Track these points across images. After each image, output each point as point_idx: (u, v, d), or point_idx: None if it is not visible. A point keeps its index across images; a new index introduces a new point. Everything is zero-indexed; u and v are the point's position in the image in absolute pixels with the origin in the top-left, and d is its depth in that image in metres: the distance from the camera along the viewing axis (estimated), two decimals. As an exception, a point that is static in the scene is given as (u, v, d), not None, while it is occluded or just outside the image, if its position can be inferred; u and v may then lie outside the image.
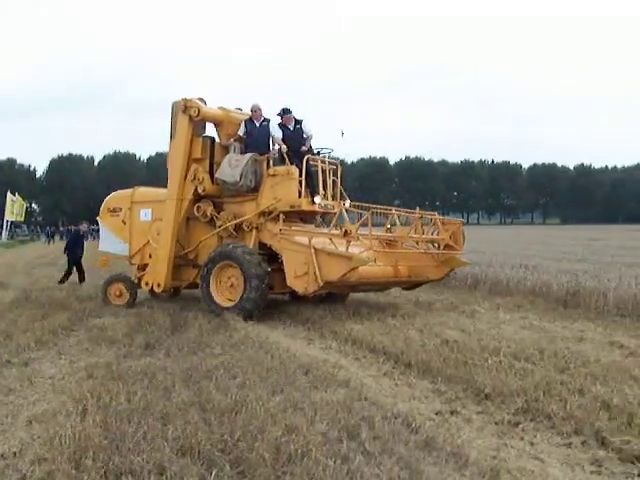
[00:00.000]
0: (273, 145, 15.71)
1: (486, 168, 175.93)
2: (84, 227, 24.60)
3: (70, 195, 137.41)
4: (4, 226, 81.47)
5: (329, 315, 13.76)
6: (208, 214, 15.96)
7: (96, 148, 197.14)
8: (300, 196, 14.98)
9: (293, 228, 14.78)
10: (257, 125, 15.90)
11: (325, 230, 14.53)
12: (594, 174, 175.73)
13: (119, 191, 18.51)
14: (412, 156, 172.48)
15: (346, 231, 13.17)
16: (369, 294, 17.56)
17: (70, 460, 5.58)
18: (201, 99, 16.13)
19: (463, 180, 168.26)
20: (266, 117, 16.02)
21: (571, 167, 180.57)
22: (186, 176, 16.00)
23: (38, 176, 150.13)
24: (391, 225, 15.50)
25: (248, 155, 15.41)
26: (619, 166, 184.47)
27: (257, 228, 15.27)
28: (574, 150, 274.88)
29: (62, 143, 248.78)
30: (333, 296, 16.08)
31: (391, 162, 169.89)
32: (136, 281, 16.86)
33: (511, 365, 9.22)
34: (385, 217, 15.41)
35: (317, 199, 15.09)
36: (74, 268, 23.32)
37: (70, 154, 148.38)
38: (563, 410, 7.08)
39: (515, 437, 6.63)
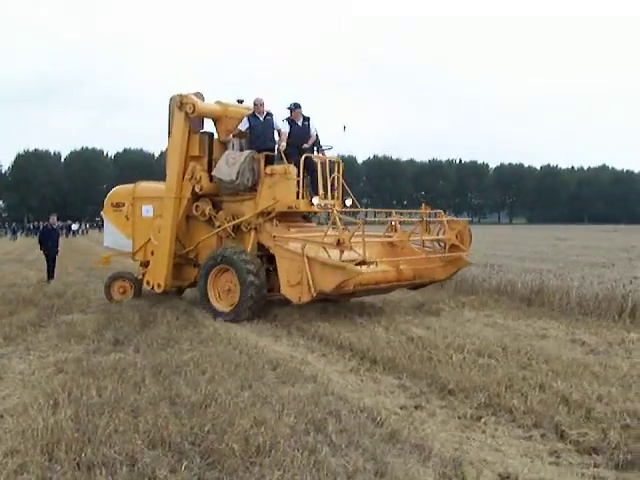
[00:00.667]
0: (280, 139, 15.13)
1: (454, 168, 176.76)
2: (53, 220, 23.55)
3: (36, 191, 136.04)
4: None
5: (296, 312, 13.81)
6: (207, 213, 15.55)
7: (63, 144, 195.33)
8: (299, 196, 14.48)
9: (287, 234, 14.18)
10: (261, 119, 15.30)
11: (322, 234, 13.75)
12: (560, 174, 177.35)
13: (121, 185, 18.13)
14: (380, 155, 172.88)
15: (339, 240, 12.69)
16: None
17: (43, 452, 5.71)
18: (198, 94, 15.73)
19: (431, 179, 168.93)
20: (269, 111, 15.51)
21: (538, 167, 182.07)
22: (184, 174, 15.60)
23: (3, 172, 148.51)
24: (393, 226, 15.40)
25: (246, 152, 14.90)
26: (585, 167, 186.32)
27: (256, 229, 14.76)
28: (541, 151, 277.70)
29: (28, 138, 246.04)
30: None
31: (359, 161, 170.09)
32: (140, 278, 16.70)
33: (474, 361, 9.47)
34: (388, 217, 15.42)
35: (315, 200, 14.45)
36: (53, 260, 22.67)
37: (36, 149, 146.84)
38: (524, 405, 7.33)
39: (477, 430, 6.85)
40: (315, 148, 15.65)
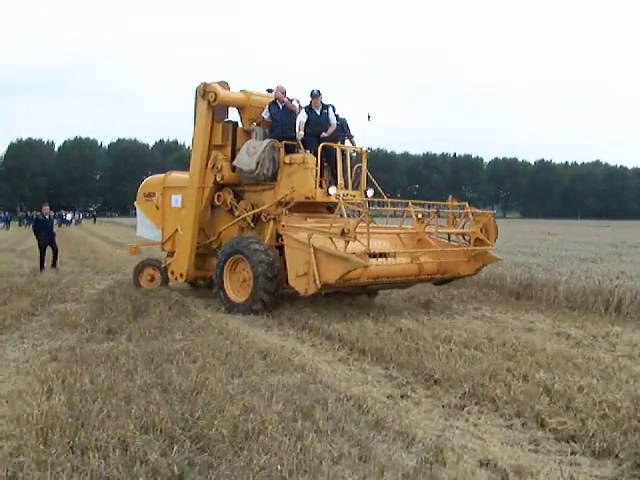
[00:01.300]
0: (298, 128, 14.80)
1: (448, 161, 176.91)
2: (46, 209, 23.16)
3: (29, 181, 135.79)
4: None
5: (287, 303, 14.01)
6: (228, 203, 15.41)
7: (58, 133, 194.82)
8: (318, 186, 14.21)
9: (296, 224, 13.79)
10: (281, 108, 15.18)
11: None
12: (554, 169, 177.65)
13: (154, 175, 18.28)
14: (375, 148, 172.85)
15: (343, 230, 12.21)
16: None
17: (37, 436, 5.85)
18: (223, 82, 15.59)
19: (425, 172, 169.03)
20: (290, 98, 15.43)
21: (532, 162, 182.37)
22: (207, 164, 15.53)
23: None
24: (418, 217, 14.81)
25: (265, 142, 14.71)
26: (579, 162, 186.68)
27: (275, 219, 14.45)
28: (535, 146, 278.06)
29: (22, 128, 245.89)
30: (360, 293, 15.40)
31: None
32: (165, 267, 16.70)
33: (461, 353, 9.66)
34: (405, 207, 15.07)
35: (332, 190, 14.09)
36: (45, 250, 22.30)
37: (30, 139, 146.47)
38: (507, 394, 7.52)
39: (460, 419, 7.04)
40: (341, 137, 15.42)
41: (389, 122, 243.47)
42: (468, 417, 7.09)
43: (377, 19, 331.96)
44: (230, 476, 5.13)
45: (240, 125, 15.87)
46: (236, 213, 15.25)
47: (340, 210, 12.83)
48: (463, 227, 15.08)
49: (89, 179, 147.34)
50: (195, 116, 15.60)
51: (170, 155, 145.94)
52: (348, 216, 12.72)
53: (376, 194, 15.35)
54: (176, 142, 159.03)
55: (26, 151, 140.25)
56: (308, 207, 14.60)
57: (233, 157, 15.25)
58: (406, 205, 14.99)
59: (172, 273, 16.13)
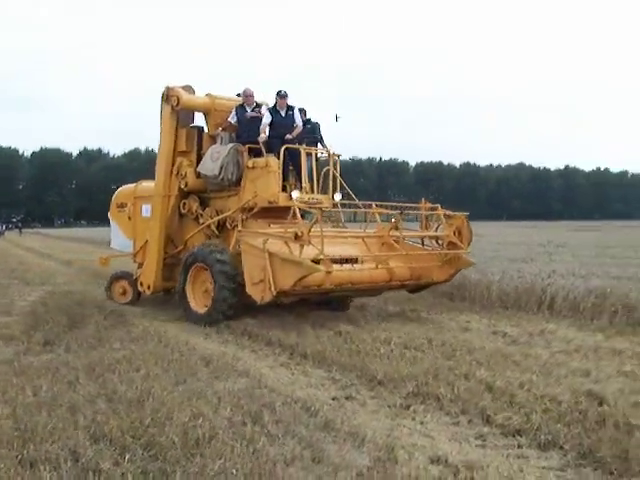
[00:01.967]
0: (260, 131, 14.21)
1: (374, 165, 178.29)
2: None
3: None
4: None
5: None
6: (194, 211, 14.93)
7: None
8: (281, 190, 13.64)
9: (252, 229, 13.29)
10: (249, 111, 14.62)
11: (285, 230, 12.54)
12: (479, 172, 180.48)
13: (125, 185, 17.57)
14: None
15: (296, 234, 11.59)
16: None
17: (-17, 451, 5.74)
18: (187, 87, 15.08)
19: (352, 177, 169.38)
20: (259, 102, 14.99)
21: (457, 165, 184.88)
22: (172, 170, 15.08)
23: None
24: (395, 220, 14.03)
25: (229, 146, 14.21)
26: (503, 165, 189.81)
27: (240, 226, 13.65)
28: (461, 149, 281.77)
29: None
30: (333, 302, 14.49)
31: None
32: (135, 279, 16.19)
33: (401, 353, 9.79)
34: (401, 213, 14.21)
35: (295, 194, 13.13)
36: None
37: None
38: (451, 393, 7.66)
39: (407, 418, 7.14)
40: (311, 140, 14.80)
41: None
42: (414, 416, 7.18)
43: (300, 25, 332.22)
44: (185, 482, 5.11)
45: (206, 130, 15.43)
46: (201, 221, 14.80)
47: (294, 213, 12.03)
48: (436, 230, 14.43)
49: (11, 189, 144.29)
50: (160, 122, 15.21)
51: (94, 164, 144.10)
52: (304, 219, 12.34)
53: (348, 199, 15.00)
54: (100, 150, 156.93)
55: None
56: (274, 213, 13.78)
57: (199, 163, 14.84)
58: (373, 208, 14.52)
59: (141, 285, 15.67)
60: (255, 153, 14.16)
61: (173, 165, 15.05)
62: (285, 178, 14.04)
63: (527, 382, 7.99)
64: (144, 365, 8.98)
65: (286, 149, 13.73)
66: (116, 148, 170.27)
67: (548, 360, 9.40)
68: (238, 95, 15.22)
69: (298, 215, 11.84)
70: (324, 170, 14.56)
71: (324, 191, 14.50)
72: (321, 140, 15.08)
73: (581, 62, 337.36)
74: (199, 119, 15.59)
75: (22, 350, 10.43)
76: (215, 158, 14.14)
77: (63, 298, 16.28)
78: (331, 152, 14.62)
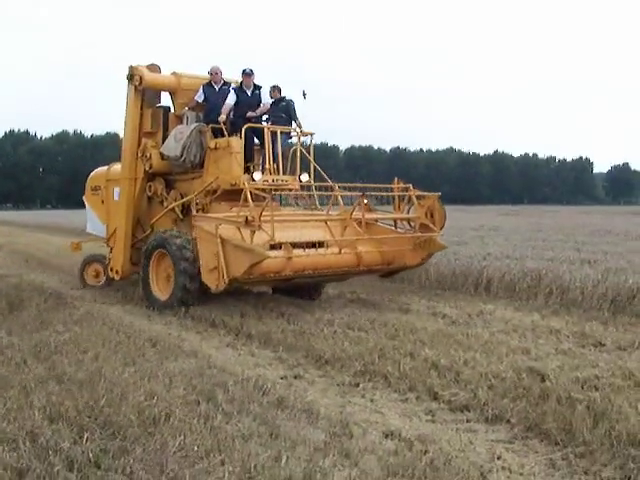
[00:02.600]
0: (222, 110, 13.67)
1: (304, 149, 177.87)
2: None
3: None
4: None
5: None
6: (159, 194, 14.43)
7: None
8: (248, 171, 13.22)
9: (208, 214, 12.83)
10: (216, 89, 14.15)
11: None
12: (409, 156, 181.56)
13: (99, 168, 16.83)
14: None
15: (247, 218, 11.09)
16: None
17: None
18: (153, 65, 14.62)
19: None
20: (227, 80, 14.44)
21: (387, 150, 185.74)
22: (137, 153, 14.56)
23: None
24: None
25: (192, 126, 13.72)
26: (433, 149, 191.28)
27: (203, 209, 13.29)
28: (391, 134, 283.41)
29: None
30: (303, 289, 13.88)
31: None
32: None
33: (346, 334, 9.97)
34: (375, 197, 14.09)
35: (257, 175, 12.86)
36: None
37: None
38: (397, 371, 7.87)
39: (357, 395, 7.33)
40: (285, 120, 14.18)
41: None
42: (364, 393, 7.37)
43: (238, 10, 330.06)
44: (146, 459, 5.18)
45: (173, 110, 14.96)
46: (165, 204, 14.32)
47: (245, 195, 11.39)
48: (408, 212, 13.73)
49: None
50: (126, 102, 14.70)
51: (21, 147, 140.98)
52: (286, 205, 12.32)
53: (314, 180, 14.28)
54: (27, 132, 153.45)
55: None
56: (238, 196, 12.29)
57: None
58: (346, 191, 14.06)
59: (111, 270, 15.30)
60: (222, 134, 13.66)
61: (139, 147, 14.57)
62: (250, 159, 13.69)
63: (471, 360, 8.24)
64: (91, 347, 8.98)
65: (250, 128, 13.34)
66: (43, 130, 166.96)
67: (489, 339, 9.65)
68: (210, 74, 14.62)
69: (249, 199, 11.26)
70: (292, 149, 14.08)
71: (295, 172, 14.02)
72: (295, 118, 14.41)
73: (512, 50, 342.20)
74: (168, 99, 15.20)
75: (-38, 335, 10.30)
76: (178, 139, 13.67)
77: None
78: (298, 131, 14.21)
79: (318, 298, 13.86)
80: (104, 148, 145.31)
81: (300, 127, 14.33)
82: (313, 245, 12.54)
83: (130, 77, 14.26)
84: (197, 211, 13.06)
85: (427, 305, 12.98)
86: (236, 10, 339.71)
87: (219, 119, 13.47)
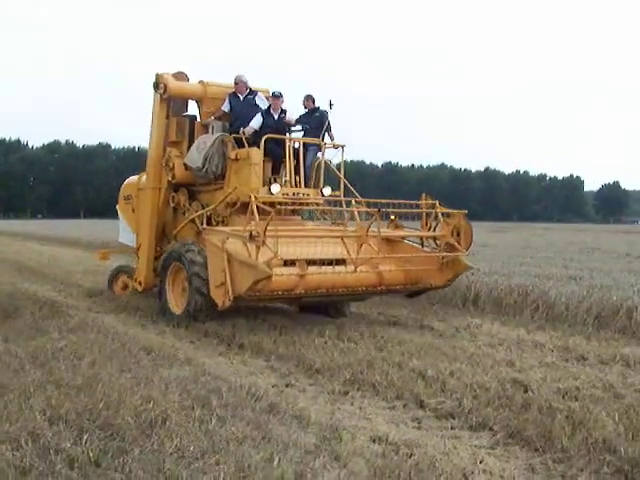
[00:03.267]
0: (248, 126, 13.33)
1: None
2: None
3: None
4: None
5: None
6: (182, 205, 14.14)
7: None
8: (264, 184, 12.85)
9: (221, 226, 12.60)
10: (241, 99, 13.97)
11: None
12: (401, 172, 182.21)
13: (132, 177, 16.39)
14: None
15: (251, 233, 10.49)
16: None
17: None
18: (180, 73, 14.49)
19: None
20: (253, 89, 14.22)
21: (379, 165, 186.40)
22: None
23: None
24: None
25: (215, 136, 13.42)
26: (425, 165, 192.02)
27: (223, 222, 13.00)
28: (382, 150, 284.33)
29: None
30: (330, 307, 13.44)
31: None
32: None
33: (335, 345, 10.23)
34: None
35: (274, 188, 12.52)
36: None
37: None
38: (386, 380, 8.14)
39: (346, 403, 7.58)
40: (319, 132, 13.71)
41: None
42: (353, 401, 7.63)
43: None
44: (144, 459, 5.42)
45: (199, 119, 14.71)
46: (186, 215, 14.02)
47: (252, 209, 10.81)
48: (433, 230, 13.03)
49: None
50: (152, 111, 14.55)
51: (12, 155, 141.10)
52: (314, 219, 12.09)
53: (349, 194, 13.93)
54: (19, 141, 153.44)
55: None
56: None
57: None
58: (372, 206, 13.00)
59: (135, 281, 15.08)
60: (245, 144, 13.28)
61: (164, 156, 14.31)
62: (276, 171, 13.44)
63: (457, 371, 8.51)
64: (87, 354, 9.17)
65: (273, 140, 13.05)
66: (35, 139, 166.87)
67: (475, 352, 9.93)
68: (235, 83, 14.34)
69: (255, 212, 10.65)
70: (317, 162, 13.88)
71: (323, 185, 13.78)
72: (328, 129, 13.97)
73: (503, 68, 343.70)
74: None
75: (-41, 341, 10.49)
76: (201, 149, 13.39)
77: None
78: (325, 143, 13.86)
79: (345, 316, 13.40)
80: (96, 158, 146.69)
81: (332, 139, 14.11)
82: (331, 263, 11.83)
83: (155, 85, 14.11)
84: (217, 223, 12.97)
85: (415, 318, 13.22)
86: (236, 10, 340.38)
87: (245, 130, 13.16)
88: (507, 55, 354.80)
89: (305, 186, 13.45)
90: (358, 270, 11.77)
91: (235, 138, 13.30)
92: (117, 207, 16.65)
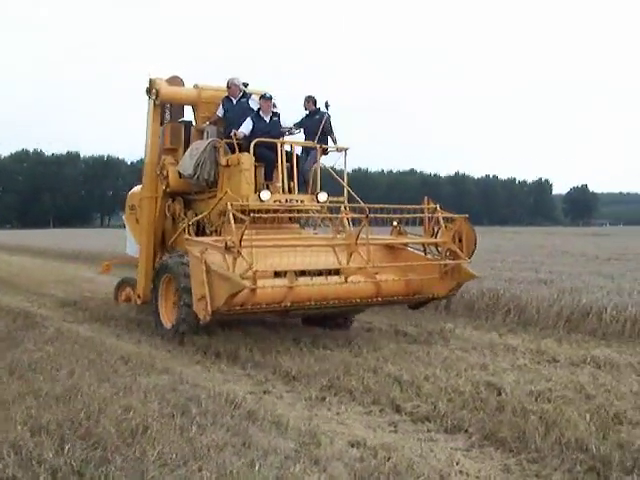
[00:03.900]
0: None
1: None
2: None
3: None
4: None
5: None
6: (177, 214, 13.56)
7: None
8: (255, 190, 12.19)
9: (205, 236, 11.83)
10: (234, 103, 13.34)
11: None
12: (371, 177, 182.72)
13: (137, 186, 15.45)
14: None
15: (226, 244, 9.82)
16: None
17: None
18: (174, 77, 14.03)
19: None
20: (246, 92, 13.59)
21: (349, 170, 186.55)
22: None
23: None
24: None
25: (207, 141, 12.88)
26: (394, 170, 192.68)
27: (216, 231, 12.15)
28: (352, 155, 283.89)
29: None
30: (332, 320, 12.81)
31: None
32: None
33: (311, 351, 10.34)
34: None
35: (264, 195, 11.78)
36: None
37: None
38: (362, 385, 8.27)
39: (323, 409, 7.69)
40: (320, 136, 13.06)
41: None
42: (330, 407, 7.74)
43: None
44: (127, 468, 5.49)
45: (195, 125, 14.18)
46: (179, 225, 13.38)
47: (228, 218, 10.03)
48: (435, 235, 12.18)
49: None
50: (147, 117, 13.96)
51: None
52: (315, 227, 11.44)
53: (352, 200, 13.14)
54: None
55: None
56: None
57: None
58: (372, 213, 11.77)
59: (134, 293, 14.56)
60: (239, 149, 12.63)
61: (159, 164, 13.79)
62: (269, 177, 12.90)
63: (431, 375, 8.65)
64: (65, 364, 9.20)
65: (264, 144, 12.50)
66: (2, 149, 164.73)
67: (448, 356, 10.08)
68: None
69: (232, 221, 9.89)
70: (313, 166, 13.17)
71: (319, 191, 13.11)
72: (330, 133, 13.44)
73: (473, 74, 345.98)
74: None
75: None
76: (193, 155, 12.82)
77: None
78: (320, 146, 13.06)
79: (348, 328, 12.90)
80: (64, 167, 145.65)
81: (336, 142, 13.50)
82: (326, 273, 11.20)
83: (148, 91, 13.64)
84: (211, 233, 12.29)
85: (389, 324, 13.34)
86: (236, 11, 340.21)
87: (236, 133, 12.53)
88: (478, 59, 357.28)
89: (299, 192, 12.87)
90: (350, 280, 11.12)
91: (228, 143, 12.75)
92: (123, 218, 16.25)
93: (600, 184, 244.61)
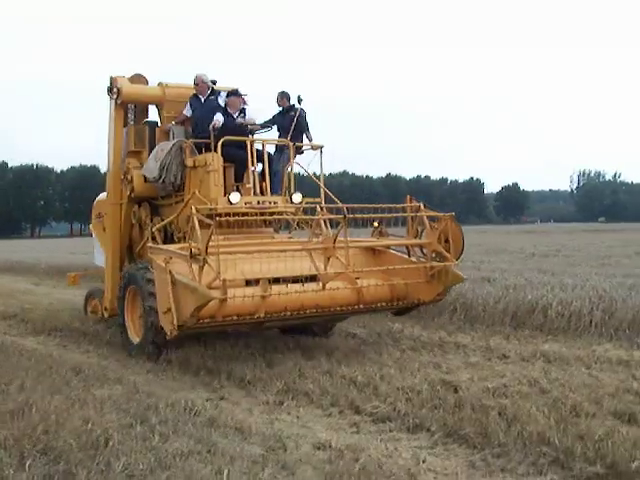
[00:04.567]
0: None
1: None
2: None
3: None
4: None
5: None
6: (143, 221, 12.78)
7: None
8: (224, 192, 11.43)
9: (162, 245, 10.65)
10: (203, 102, 12.44)
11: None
12: (303, 180, 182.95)
13: (103, 193, 14.32)
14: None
15: (191, 251, 8.93)
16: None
17: None
18: (137, 76, 13.28)
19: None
20: (215, 89, 12.63)
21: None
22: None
23: None
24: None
25: (172, 142, 12.11)
26: (326, 173, 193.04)
27: (184, 238, 10.45)
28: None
29: None
30: (313, 327, 12.29)
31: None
32: None
33: (263, 356, 10.28)
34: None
35: (234, 197, 11.02)
36: None
37: None
38: (318, 388, 8.28)
39: (282, 413, 7.69)
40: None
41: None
42: (289, 411, 7.74)
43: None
44: (93, 480, 5.42)
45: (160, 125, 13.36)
46: (146, 232, 12.40)
47: (192, 224, 9.14)
48: (419, 236, 11.35)
49: None
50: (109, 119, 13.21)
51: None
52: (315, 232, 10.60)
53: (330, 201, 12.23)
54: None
55: None
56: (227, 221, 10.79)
57: None
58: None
59: (100, 306, 13.79)
60: (206, 149, 11.84)
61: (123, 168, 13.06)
62: (239, 178, 12.17)
63: (386, 375, 8.72)
64: (14, 378, 8.97)
65: (236, 143, 11.74)
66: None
67: (400, 356, 10.17)
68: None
69: (196, 227, 8.99)
70: (286, 167, 12.46)
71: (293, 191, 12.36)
72: (306, 130, 12.79)
73: (406, 76, 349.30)
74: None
75: None
76: (158, 157, 12.02)
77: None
78: (292, 144, 12.21)
79: (328, 336, 12.36)
80: (25, 177, 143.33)
81: (311, 140, 12.76)
82: (303, 279, 10.18)
83: (109, 90, 12.89)
84: (179, 240, 11.19)
85: (338, 326, 13.28)
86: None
87: (210, 129, 11.56)
88: (408, 61, 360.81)
89: (273, 193, 12.07)
90: (328, 287, 10.15)
91: (195, 144, 11.97)
92: (90, 227, 15.52)
93: (532, 182, 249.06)
